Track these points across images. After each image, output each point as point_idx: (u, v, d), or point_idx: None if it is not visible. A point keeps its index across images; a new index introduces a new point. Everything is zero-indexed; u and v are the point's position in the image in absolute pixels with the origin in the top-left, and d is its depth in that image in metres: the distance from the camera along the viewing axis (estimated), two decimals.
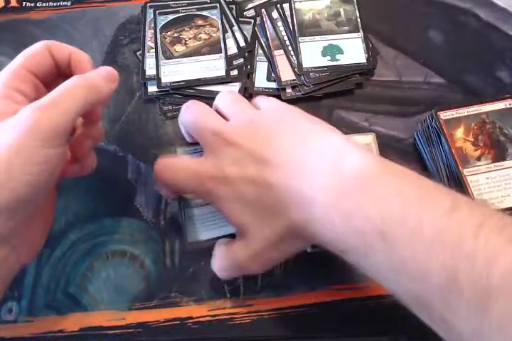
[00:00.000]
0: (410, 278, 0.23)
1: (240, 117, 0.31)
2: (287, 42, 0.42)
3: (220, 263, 0.31)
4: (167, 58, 0.41)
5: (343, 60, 0.41)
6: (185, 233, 0.35)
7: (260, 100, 0.33)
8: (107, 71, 0.29)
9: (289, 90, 0.40)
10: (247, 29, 0.43)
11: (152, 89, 0.41)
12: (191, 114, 0.33)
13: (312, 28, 0.42)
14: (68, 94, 0.26)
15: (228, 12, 0.44)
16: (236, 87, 0.41)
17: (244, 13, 0.44)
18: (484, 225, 0.22)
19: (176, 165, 0.32)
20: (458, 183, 0.34)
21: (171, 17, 0.43)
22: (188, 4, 0.44)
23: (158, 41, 0.42)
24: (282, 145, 0.29)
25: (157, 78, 0.40)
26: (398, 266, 0.24)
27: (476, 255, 0.22)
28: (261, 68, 0.42)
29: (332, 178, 0.26)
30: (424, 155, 0.38)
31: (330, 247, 0.27)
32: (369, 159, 0.27)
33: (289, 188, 0.27)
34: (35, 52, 0.29)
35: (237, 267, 0.30)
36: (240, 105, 0.32)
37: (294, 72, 0.41)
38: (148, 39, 0.43)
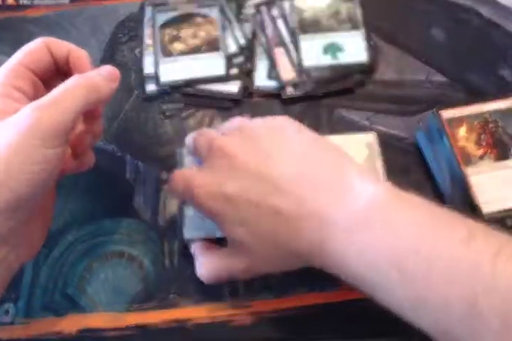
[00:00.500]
0: (428, 307, 0.23)
1: (235, 126, 0.31)
2: (287, 41, 0.42)
3: (213, 273, 0.30)
4: (166, 56, 0.41)
5: (344, 58, 0.41)
6: (181, 229, 0.34)
7: (264, 118, 0.32)
8: (108, 70, 0.29)
9: (289, 89, 0.40)
10: (247, 27, 0.43)
11: (151, 87, 0.40)
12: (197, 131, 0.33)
13: (313, 26, 0.42)
14: (69, 94, 0.26)
15: (228, 10, 0.43)
16: (236, 85, 0.40)
17: (244, 11, 0.44)
18: (501, 254, 0.22)
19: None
20: (460, 183, 0.34)
21: (170, 15, 0.43)
22: (188, 2, 0.44)
23: (157, 39, 0.42)
24: (282, 160, 0.28)
25: (156, 76, 0.40)
26: (415, 295, 0.23)
27: (495, 279, 0.21)
28: (261, 66, 0.41)
29: (344, 209, 0.26)
30: (426, 155, 0.37)
31: (343, 277, 0.27)
32: (381, 188, 0.26)
33: (297, 218, 0.26)
34: (34, 49, 0.29)
35: (231, 276, 0.30)
36: (240, 119, 0.32)
37: (295, 70, 0.40)
38: (147, 37, 0.42)
